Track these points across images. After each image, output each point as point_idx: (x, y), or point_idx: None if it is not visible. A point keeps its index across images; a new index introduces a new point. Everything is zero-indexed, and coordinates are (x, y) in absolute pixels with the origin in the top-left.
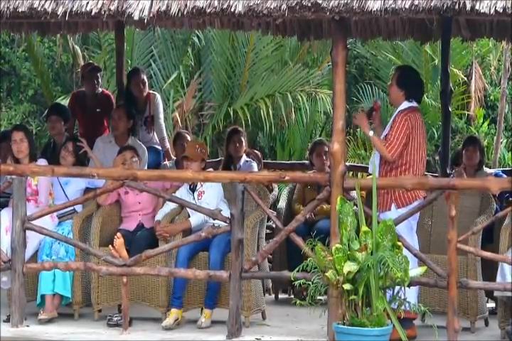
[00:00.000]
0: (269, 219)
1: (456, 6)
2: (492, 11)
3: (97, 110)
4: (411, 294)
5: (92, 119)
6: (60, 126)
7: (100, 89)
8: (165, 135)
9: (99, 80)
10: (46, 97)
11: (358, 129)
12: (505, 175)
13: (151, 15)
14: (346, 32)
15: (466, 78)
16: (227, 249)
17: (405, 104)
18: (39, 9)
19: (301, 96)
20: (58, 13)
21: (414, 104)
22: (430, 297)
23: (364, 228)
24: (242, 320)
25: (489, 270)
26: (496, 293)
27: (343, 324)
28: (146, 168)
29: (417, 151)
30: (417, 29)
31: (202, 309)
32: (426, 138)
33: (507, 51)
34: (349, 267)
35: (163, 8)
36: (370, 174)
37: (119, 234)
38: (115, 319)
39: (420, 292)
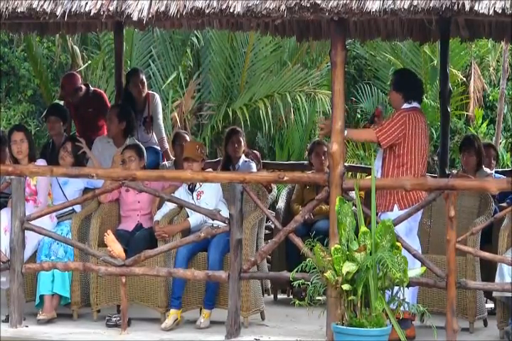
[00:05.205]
0: (268, 219)
1: (455, 7)
2: (491, 11)
3: (89, 110)
4: (409, 294)
5: (85, 119)
6: (59, 126)
7: (92, 89)
8: (164, 135)
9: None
10: (45, 97)
11: None
12: (504, 177)
13: (150, 15)
14: (345, 32)
15: (465, 78)
16: (226, 249)
17: (405, 106)
18: (38, 9)
19: (300, 97)
20: (57, 13)
21: (415, 104)
22: (429, 297)
23: (363, 228)
24: (241, 320)
25: (488, 270)
26: (494, 294)
27: (342, 324)
28: None
29: (420, 151)
30: (415, 29)
31: (201, 309)
32: (428, 138)
33: (506, 51)
34: (348, 267)
35: (162, 8)
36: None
37: (108, 231)
38: (114, 319)
39: (419, 292)
